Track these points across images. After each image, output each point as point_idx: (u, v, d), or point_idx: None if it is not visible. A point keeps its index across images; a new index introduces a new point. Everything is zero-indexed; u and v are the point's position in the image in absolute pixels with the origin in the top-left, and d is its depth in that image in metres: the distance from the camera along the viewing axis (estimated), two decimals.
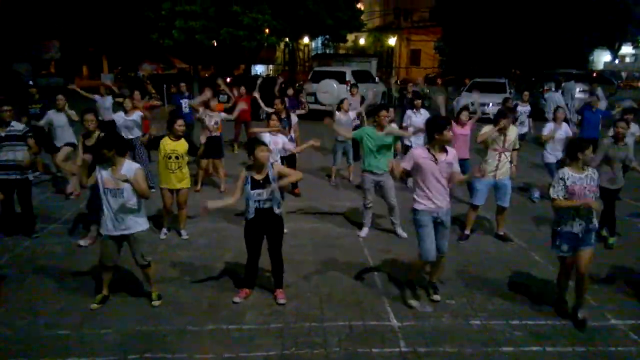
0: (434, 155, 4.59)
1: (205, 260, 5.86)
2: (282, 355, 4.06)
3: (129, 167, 4.48)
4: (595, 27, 26.03)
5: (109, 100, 10.51)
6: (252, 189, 4.57)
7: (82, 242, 6.20)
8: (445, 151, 4.66)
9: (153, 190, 7.93)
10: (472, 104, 16.93)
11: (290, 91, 12.38)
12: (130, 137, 8.08)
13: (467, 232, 6.62)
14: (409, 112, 9.20)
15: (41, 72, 34.28)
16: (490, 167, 6.32)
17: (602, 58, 37.44)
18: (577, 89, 16.41)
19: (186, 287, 5.19)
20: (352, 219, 7.37)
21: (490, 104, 18.20)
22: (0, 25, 26.23)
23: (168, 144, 6.26)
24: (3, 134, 6.06)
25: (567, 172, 4.48)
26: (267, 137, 6.60)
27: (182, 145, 6.28)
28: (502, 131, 6.28)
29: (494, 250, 6.33)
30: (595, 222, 4.52)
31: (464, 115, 7.75)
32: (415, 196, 4.75)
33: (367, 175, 6.50)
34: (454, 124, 7.68)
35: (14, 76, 29.96)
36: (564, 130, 8.04)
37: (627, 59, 39.75)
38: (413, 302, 4.86)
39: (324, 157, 11.38)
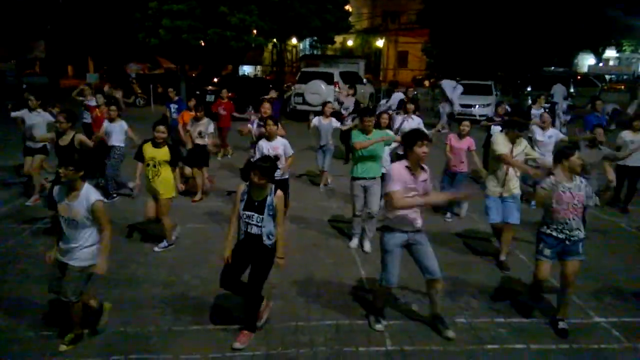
0: (413, 174, 4.15)
1: (191, 261, 5.82)
2: (268, 355, 4.05)
3: (87, 195, 3.86)
4: (580, 30, 26.42)
5: (94, 103, 10.38)
6: (245, 209, 4.09)
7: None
8: (424, 169, 4.23)
9: (116, 197, 7.93)
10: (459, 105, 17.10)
11: (272, 93, 11.85)
12: (110, 144, 8.05)
13: (502, 258, 5.94)
14: (400, 117, 8.78)
15: (25, 71, 33.88)
16: (495, 183, 5.78)
17: (586, 61, 38.08)
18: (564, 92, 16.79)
19: (172, 288, 5.16)
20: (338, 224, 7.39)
21: (477, 106, 18.41)
22: None
23: (148, 150, 5.94)
24: None
25: (554, 178, 4.35)
26: (264, 144, 6.26)
27: (161, 153, 5.92)
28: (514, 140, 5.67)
29: (479, 249, 6.38)
30: (583, 231, 4.43)
31: (465, 126, 7.36)
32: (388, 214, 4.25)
33: (356, 181, 6.12)
34: (452, 137, 7.48)
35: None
36: (549, 135, 7.96)
37: (611, 62, 40.42)
38: (378, 326, 4.45)
39: (307, 158, 11.23)
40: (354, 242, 6.43)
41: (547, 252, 4.40)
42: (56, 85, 27.37)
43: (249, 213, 4.09)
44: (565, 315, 4.49)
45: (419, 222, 4.23)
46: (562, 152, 4.40)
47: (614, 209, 8.12)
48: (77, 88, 11.55)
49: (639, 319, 4.72)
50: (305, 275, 5.51)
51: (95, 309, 4.31)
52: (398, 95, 13.98)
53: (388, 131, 6.82)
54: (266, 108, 7.40)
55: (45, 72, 32.39)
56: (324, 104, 9.35)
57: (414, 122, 8.46)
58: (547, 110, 10.02)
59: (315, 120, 9.01)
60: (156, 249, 6.11)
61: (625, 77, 34.74)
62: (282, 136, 6.56)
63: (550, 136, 7.94)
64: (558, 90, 16.68)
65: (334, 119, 9.10)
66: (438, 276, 4.25)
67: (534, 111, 11.04)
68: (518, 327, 4.52)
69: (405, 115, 8.66)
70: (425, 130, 4.91)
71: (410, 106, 8.80)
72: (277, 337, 4.28)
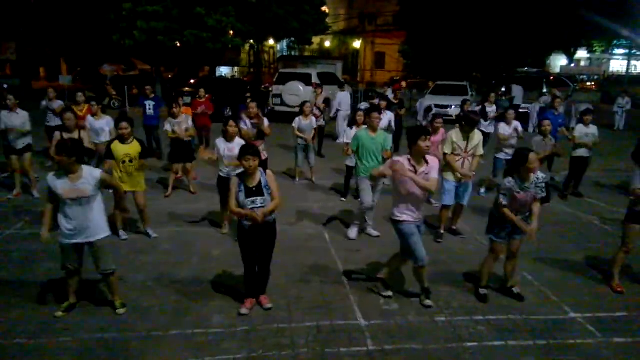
0: (414, 166, 4.57)
1: (170, 265, 5.75)
2: (249, 358, 4.01)
3: (90, 173, 4.31)
4: (552, 32, 26.98)
5: (57, 104, 10.19)
6: (247, 196, 4.37)
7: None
8: (426, 162, 4.64)
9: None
10: (435, 105, 17.37)
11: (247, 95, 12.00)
12: (97, 141, 8.13)
13: (441, 230, 6.71)
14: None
15: None
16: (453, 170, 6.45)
17: (559, 62, 38.95)
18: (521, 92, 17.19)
19: (150, 292, 5.08)
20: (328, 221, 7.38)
21: (453, 106, 18.63)
22: None
23: (120, 148, 6.11)
24: None
25: (512, 180, 4.71)
26: (221, 144, 6.35)
27: (134, 148, 6.14)
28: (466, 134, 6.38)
29: (457, 249, 6.45)
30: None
31: (438, 123, 7.76)
32: (395, 208, 4.74)
33: (365, 179, 6.40)
34: None
35: None
36: (514, 127, 8.50)
37: (582, 63, 41.41)
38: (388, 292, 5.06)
39: (287, 157, 11.29)
40: (353, 232, 6.63)
41: (503, 234, 4.91)
42: (28, 87, 26.73)
43: (253, 198, 4.37)
44: (515, 283, 5.14)
45: (420, 213, 4.74)
46: (521, 157, 4.68)
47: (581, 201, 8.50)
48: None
49: (613, 314, 4.83)
50: (286, 277, 5.48)
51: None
52: (343, 95, 14.03)
53: (389, 137, 6.97)
54: (252, 107, 7.65)
55: (17, 74, 31.62)
56: (303, 103, 9.46)
57: (386, 117, 8.96)
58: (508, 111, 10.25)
59: (295, 122, 9.14)
60: (153, 235, 6.52)
61: (596, 77, 35.64)
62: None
63: (515, 128, 8.48)
64: (517, 91, 16.99)
65: (313, 119, 9.30)
66: (422, 264, 4.77)
67: (488, 109, 11.29)
68: (496, 325, 4.58)
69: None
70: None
71: (383, 103, 9.26)
72: (258, 340, 4.25)
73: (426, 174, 4.60)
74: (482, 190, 8.85)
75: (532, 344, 4.29)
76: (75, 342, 4.16)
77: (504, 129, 8.47)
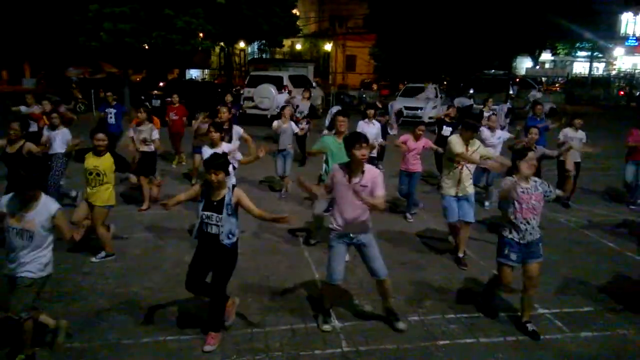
0: (349, 176, 4.18)
1: (141, 271, 5.64)
2: None
3: (46, 205, 3.74)
4: (518, 35, 27.69)
5: (37, 110, 9.92)
6: (204, 209, 4.08)
7: None
8: (363, 173, 4.17)
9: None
10: (405, 108, 17.57)
11: (228, 97, 11.49)
12: (51, 152, 7.56)
13: (460, 254, 6.04)
14: (361, 122, 8.43)
15: None
16: (450, 183, 5.88)
17: (524, 64, 40.00)
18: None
19: (120, 299, 4.97)
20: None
21: (422, 109, 18.87)
22: None
23: (90, 160, 5.75)
24: None
25: (516, 179, 4.34)
26: (207, 150, 6.11)
27: (105, 162, 5.72)
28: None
29: (427, 249, 6.53)
30: (540, 232, 4.45)
31: (420, 130, 7.53)
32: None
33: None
34: (408, 138, 7.56)
35: None
36: (498, 136, 8.19)
37: (547, 65, 42.61)
38: (326, 327, 4.49)
39: (267, 166, 11.08)
40: (319, 206, 6.28)
41: (513, 256, 4.37)
42: None
43: (208, 213, 4.06)
44: (529, 317, 4.56)
45: (360, 223, 4.25)
46: (519, 153, 4.43)
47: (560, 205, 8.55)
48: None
49: (579, 309, 4.98)
50: (260, 281, 5.45)
51: (52, 327, 4.11)
52: (283, 98, 13.75)
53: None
54: (222, 112, 7.44)
55: None
56: (283, 107, 9.18)
57: (374, 127, 8.30)
58: (494, 113, 10.24)
59: (274, 124, 8.75)
60: (94, 259, 5.86)
61: (560, 79, 36.71)
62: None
63: (498, 137, 8.17)
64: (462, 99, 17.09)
65: (292, 123, 8.96)
66: (382, 277, 4.37)
67: (485, 114, 11.46)
68: (468, 323, 4.65)
69: (367, 120, 8.45)
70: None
71: (370, 111, 8.52)
72: (232, 345, 4.21)
73: (362, 186, 4.12)
74: (486, 203, 8.30)
75: (502, 340, 4.37)
76: (43, 351, 4.03)
77: (488, 137, 7.99)
